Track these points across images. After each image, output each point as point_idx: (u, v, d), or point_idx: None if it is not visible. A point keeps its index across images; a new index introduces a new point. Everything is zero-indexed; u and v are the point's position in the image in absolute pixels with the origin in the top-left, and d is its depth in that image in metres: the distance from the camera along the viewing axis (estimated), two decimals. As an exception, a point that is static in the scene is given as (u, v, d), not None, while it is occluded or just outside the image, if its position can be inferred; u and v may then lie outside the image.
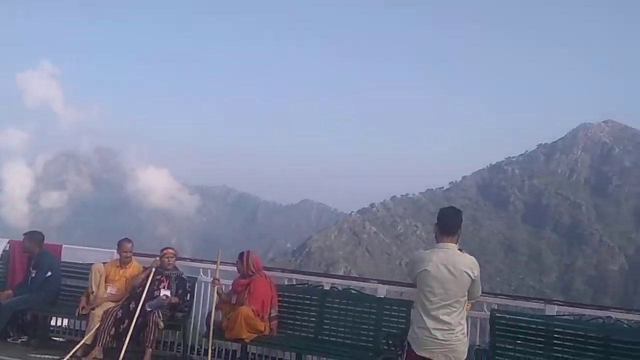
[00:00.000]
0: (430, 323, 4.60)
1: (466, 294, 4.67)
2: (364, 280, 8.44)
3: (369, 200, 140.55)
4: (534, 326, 6.27)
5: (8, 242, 9.04)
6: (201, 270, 8.27)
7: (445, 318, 4.58)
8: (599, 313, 6.63)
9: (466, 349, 4.71)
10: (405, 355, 4.83)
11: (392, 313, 6.92)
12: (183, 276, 7.82)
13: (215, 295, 7.31)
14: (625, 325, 6.22)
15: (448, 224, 4.82)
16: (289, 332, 7.23)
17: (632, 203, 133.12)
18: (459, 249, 4.76)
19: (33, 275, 8.02)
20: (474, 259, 4.73)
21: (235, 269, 7.57)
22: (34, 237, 8.25)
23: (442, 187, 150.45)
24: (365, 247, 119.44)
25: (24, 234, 8.38)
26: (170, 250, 7.86)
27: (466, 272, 4.60)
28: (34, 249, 8.16)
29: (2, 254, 8.93)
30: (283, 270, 8.78)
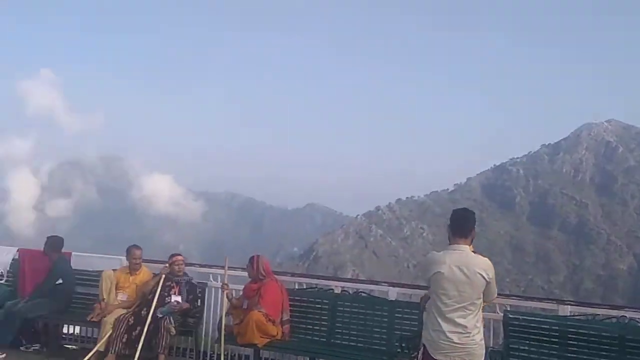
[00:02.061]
0: (445, 326, 4.52)
1: (481, 296, 4.58)
2: (374, 283, 8.42)
3: (374, 203, 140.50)
4: (547, 327, 6.22)
5: (17, 251, 9.07)
6: (210, 275, 8.26)
7: (461, 321, 4.50)
8: (612, 312, 6.57)
9: (483, 352, 4.63)
10: (421, 357, 4.77)
11: (404, 316, 6.89)
12: (193, 282, 7.82)
13: (225, 300, 7.32)
14: (639, 324, 6.16)
15: (461, 225, 4.73)
16: (301, 336, 7.19)
17: (637, 202, 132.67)
18: (472, 251, 4.71)
19: (44, 281, 8.06)
20: (488, 260, 4.63)
21: (243, 274, 7.59)
22: (52, 241, 8.28)
23: (447, 189, 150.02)
24: (372, 250, 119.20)
25: (47, 238, 8.42)
26: (179, 257, 7.85)
27: (480, 274, 4.50)
28: (52, 254, 8.19)
29: (11, 263, 8.96)
30: (293, 274, 8.78)
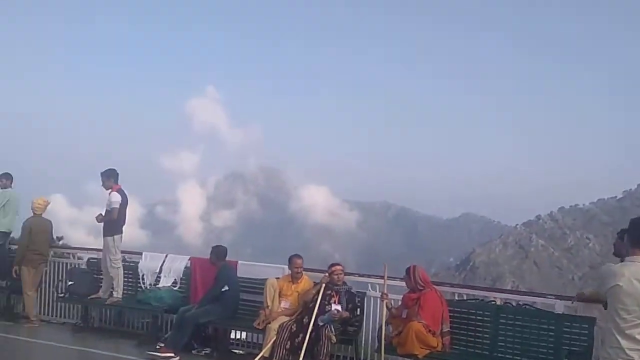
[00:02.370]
0: (624, 343, 4.13)
1: None
2: (538, 295, 8.06)
3: (534, 211, 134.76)
4: None
5: (189, 259, 9.68)
6: (369, 285, 8.30)
7: None
8: None
9: None
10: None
11: (573, 330, 6.54)
12: (352, 291, 7.92)
13: (385, 309, 7.34)
14: None
15: None
16: (462, 348, 7.04)
17: None
18: None
19: (211, 288, 8.55)
20: None
21: (401, 284, 7.58)
22: (216, 250, 8.79)
23: (615, 196, 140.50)
24: (533, 261, 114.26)
25: (212, 247, 8.95)
26: (338, 267, 7.98)
27: None
28: (217, 262, 8.68)
29: (184, 271, 9.58)
30: (452, 285, 8.64)
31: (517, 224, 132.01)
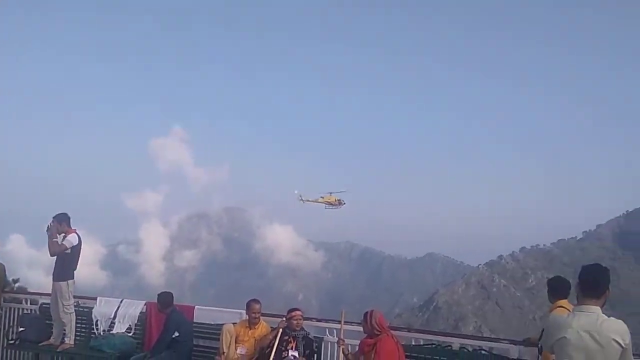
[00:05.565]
0: None
1: None
2: (494, 340, 8.11)
3: (497, 252, 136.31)
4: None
5: (145, 304, 9.51)
6: (327, 330, 8.26)
7: None
8: None
9: None
10: None
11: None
12: (310, 336, 7.86)
13: (342, 355, 7.29)
14: None
15: (592, 284, 4.15)
16: (418, 394, 7.02)
17: None
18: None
19: (160, 335, 8.42)
20: (623, 323, 4.01)
21: (359, 328, 7.54)
22: (162, 298, 8.63)
23: (575, 237, 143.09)
24: (495, 301, 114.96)
25: (157, 295, 8.80)
26: (297, 312, 7.93)
27: (615, 340, 3.91)
28: (163, 309, 8.54)
29: (139, 316, 9.40)
30: (409, 330, 8.61)
31: (479, 264, 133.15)
